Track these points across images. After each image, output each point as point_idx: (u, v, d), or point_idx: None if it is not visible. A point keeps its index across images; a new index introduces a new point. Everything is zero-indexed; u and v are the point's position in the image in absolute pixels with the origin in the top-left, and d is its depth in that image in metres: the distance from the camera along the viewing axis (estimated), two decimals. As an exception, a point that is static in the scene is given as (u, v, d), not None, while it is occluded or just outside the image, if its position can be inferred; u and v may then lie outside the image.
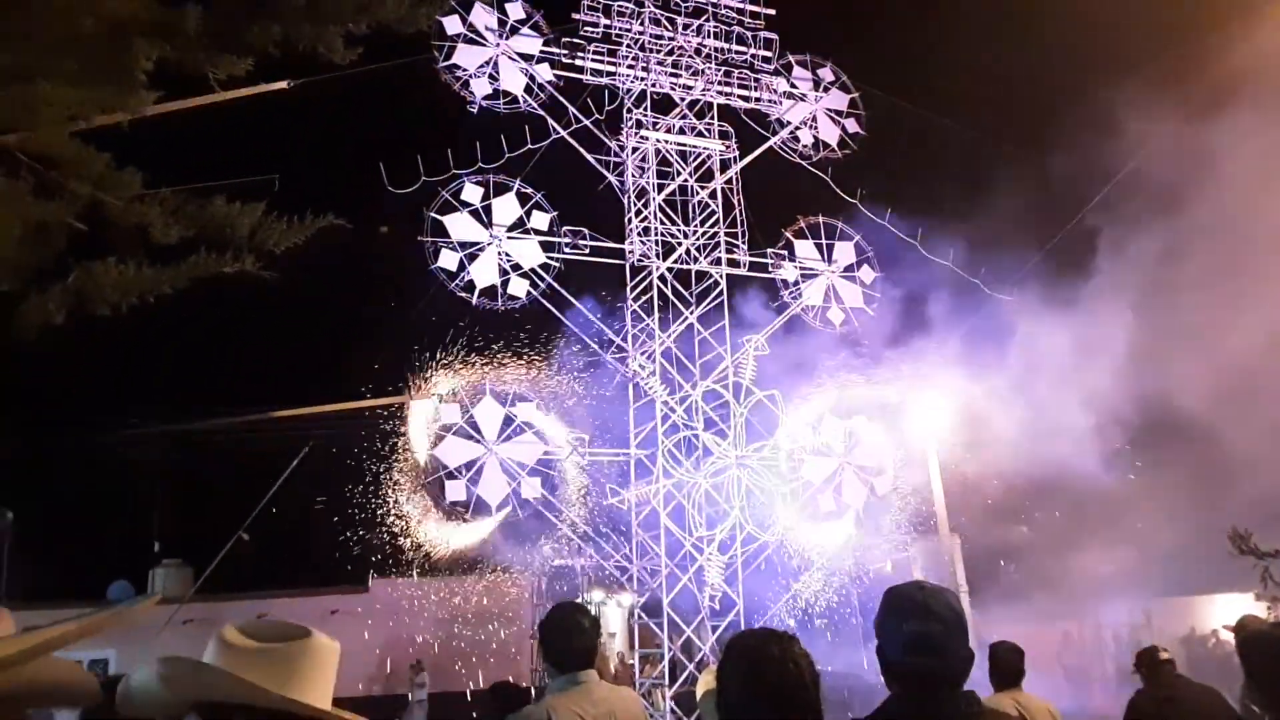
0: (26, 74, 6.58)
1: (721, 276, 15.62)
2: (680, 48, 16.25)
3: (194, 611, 14.71)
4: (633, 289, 15.21)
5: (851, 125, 17.25)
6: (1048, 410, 15.09)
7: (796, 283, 16.23)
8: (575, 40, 15.61)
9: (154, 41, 6.88)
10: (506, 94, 15.00)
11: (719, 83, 16.46)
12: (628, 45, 15.90)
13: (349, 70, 8.33)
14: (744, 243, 15.92)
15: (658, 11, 16.20)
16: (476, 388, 14.12)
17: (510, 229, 14.49)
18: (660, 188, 15.61)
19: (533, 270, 14.48)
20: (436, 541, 14.05)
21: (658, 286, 15.20)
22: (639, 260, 15.29)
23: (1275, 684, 3.37)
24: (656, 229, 15.40)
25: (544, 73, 15.28)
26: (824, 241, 16.57)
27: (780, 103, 16.91)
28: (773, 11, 16.98)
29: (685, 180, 15.80)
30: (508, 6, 15.29)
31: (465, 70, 14.82)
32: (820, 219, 16.62)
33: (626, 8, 15.93)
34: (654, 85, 15.98)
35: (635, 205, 15.52)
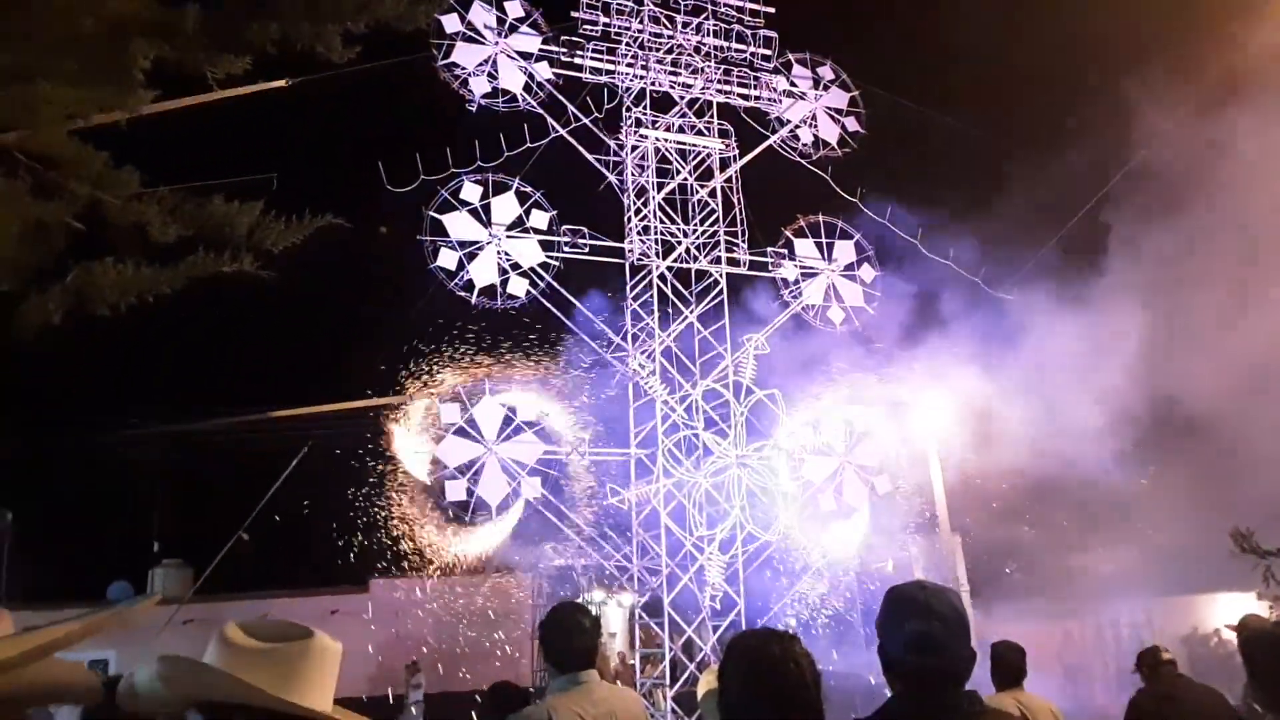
0: (26, 74, 6.58)
1: (721, 275, 15.61)
2: (680, 46, 16.24)
3: (194, 612, 14.70)
4: (632, 288, 15.20)
5: (851, 123, 17.24)
6: (1049, 409, 15.09)
7: (796, 281, 16.22)
8: (574, 38, 15.60)
9: (153, 41, 6.88)
10: (505, 92, 14.99)
11: (718, 81, 16.45)
12: (627, 43, 15.89)
13: (347, 69, 8.32)
14: (744, 241, 15.91)
15: (657, 10, 16.19)
16: (476, 387, 14.11)
17: (509, 228, 14.48)
18: (660, 186, 15.60)
19: (532, 269, 14.47)
20: (437, 541, 14.05)
21: (657, 285, 15.19)
22: (639, 259, 15.28)
23: (1277, 683, 3.37)
24: (656, 228, 15.39)
25: (543, 71, 15.27)
26: (824, 240, 16.57)
27: (780, 101, 16.90)
28: (772, 10, 16.98)
29: (685, 179, 15.79)
30: (506, 5, 15.27)
31: (464, 69, 14.81)
32: (820, 218, 16.62)
33: (626, 6, 15.92)
34: (653, 83, 15.97)
35: (635, 204, 15.51)
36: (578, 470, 14.47)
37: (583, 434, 14.48)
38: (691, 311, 15.34)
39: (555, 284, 14.46)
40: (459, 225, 14.17)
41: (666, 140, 15.82)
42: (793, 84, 17.11)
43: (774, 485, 15.15)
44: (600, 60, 15.66)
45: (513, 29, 15.23)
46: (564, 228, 14.79)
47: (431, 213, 13.97)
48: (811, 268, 16.39)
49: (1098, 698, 17.49)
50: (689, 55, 16.28)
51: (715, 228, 15.74)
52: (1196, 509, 13.50)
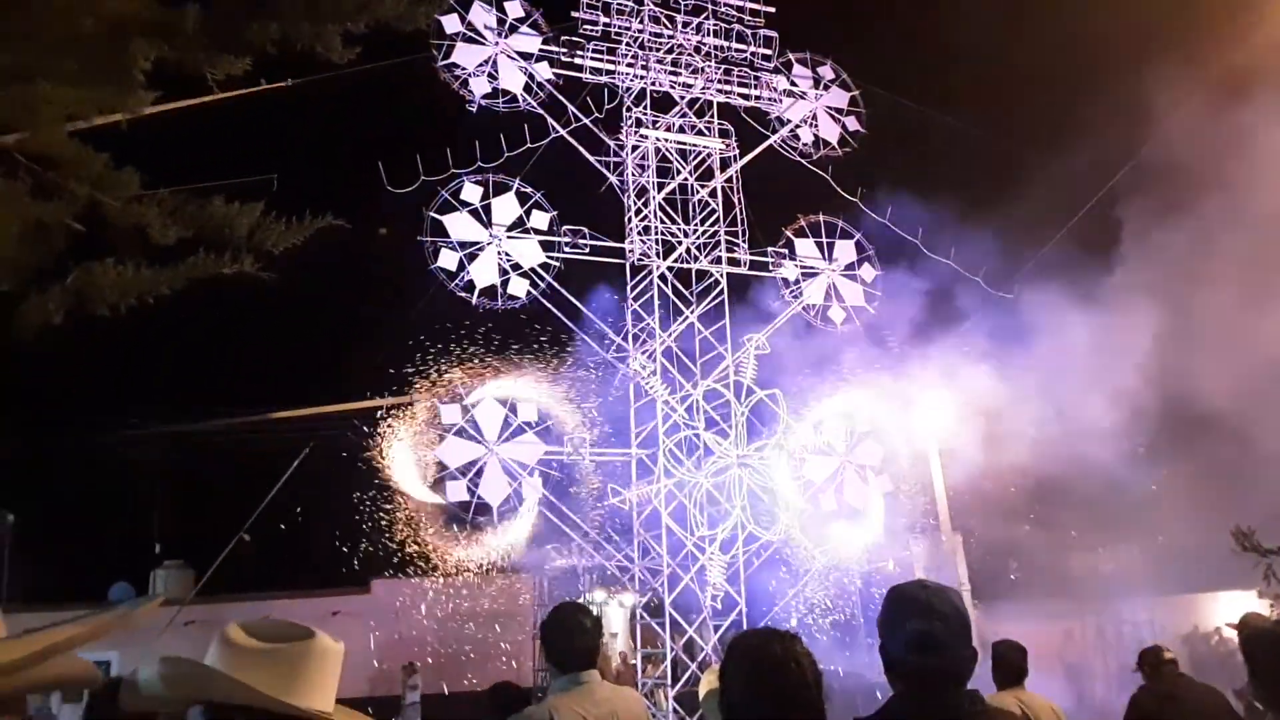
0: (26, 74, 6.58)
1: (722, 275, 15.61)
2: (680, 46, 16.24)
3: (195, 613, 14.69)
4: (633, 288, 15.20)
5: (852, 123, 17.23)
6: (1050, 408, 15.10)
7: (797, 281, 16.21)
8: (574, 38, 15.60)
9: (153, 41, 6.88)
10: (506, 93, 14.98)
11: (719, 81, 16.45)
12: (627, 43, 15.89)
13: (348, 69, 8.32)
14: (744, 241, 15.91)
15: (657, 9, 16.19)
16: (477, 388, 14.10)
17: (510, 228, 14.47)
18: (660, 186, 15.60)
19: (533, 270, 14.47)
20: (438, 542, 14.04)
21: (658, 285, 15.19)
22: (639, 259, 15.28)
23: (1277, 681, 3.37)
24: (656, 228, 15.39)
25: (543, 71, 15.27)
26: (824, 240, 16.56)
27: (780, 101, 16.89)
28: (772, 9, 16.96)
29: (685, 179, 15.79)
30: (506, 5, 15.27)
31: (464, 69, 14.81)
32: (821, 217, 16.61)
33: (626, 6, 15.91)
34: (654, 83, 15.96)
35: (635, 204, 15.51)
36: (579, 471, 14.47)
37: (584, 434, 14.48)
38: (692, 311, 15.34)
39: (556, 285, 14.47)
40: (459, 226, 14.17)
41: (667, 140, 15.82)
42: (793, 83, 17.11)
43: (775, 485, 15.14)
44: (600, 60, 15.65)
45: (513, 29, 15.23)
46: (564, 228, 14.78)
47: (432, 213, 13.96)
48: (812, 267, 16.38)
49: (1099, 697, 17.49)
50: (689, 55, 16.28)
51: (716, 228, 15.74)
52: (1197, 508, 13.50)
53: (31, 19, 6.52)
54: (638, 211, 15.47)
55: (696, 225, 15.68)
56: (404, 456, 13.82)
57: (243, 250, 7.78)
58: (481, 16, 15.01)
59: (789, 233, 16.46)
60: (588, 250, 14.91)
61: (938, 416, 16.07)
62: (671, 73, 16.11)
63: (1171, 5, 15.51)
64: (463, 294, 13.99)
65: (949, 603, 2.31)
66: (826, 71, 17.43)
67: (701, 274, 15.62)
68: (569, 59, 15.47)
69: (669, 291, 15.31)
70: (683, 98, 16.15)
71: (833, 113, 17.20)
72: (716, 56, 16.51)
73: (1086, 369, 15.12)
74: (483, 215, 14.35)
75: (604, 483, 14.59)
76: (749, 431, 15.25)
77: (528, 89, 15.11)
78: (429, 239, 13.88)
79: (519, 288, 14.31)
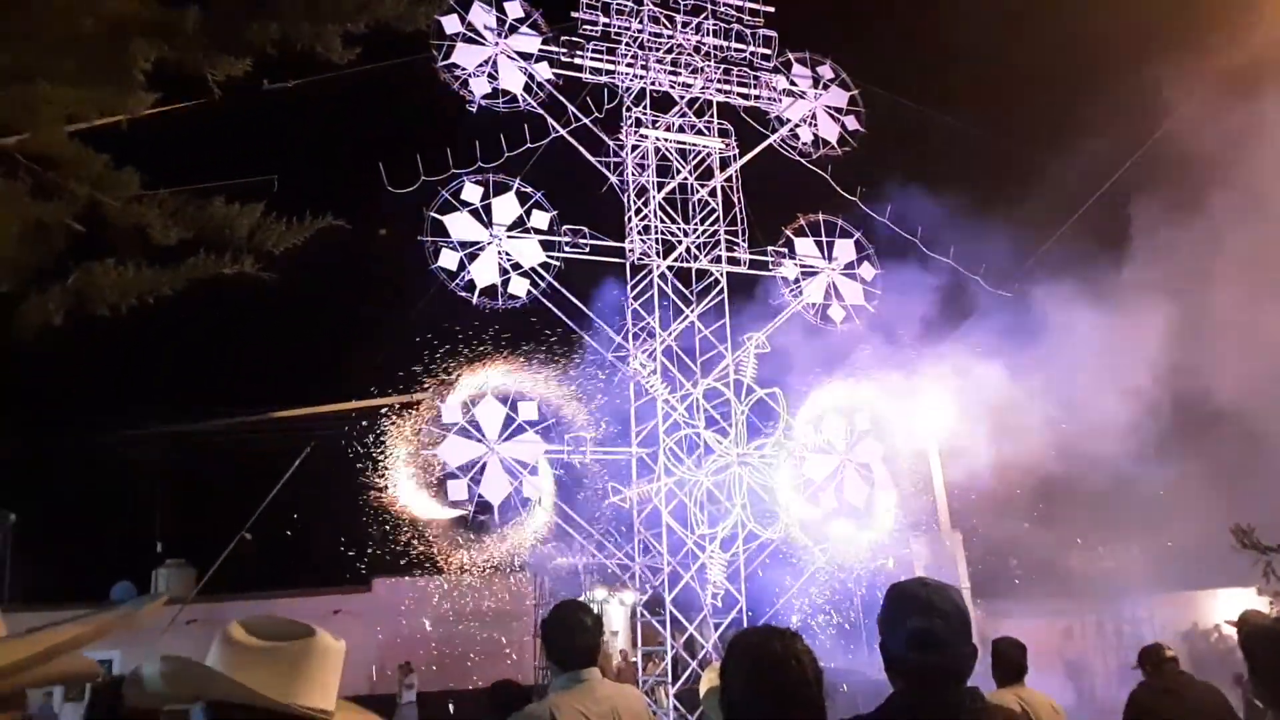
0: (26, 74, 6.58)
1: (722, 274, 15.61)
2: (679, 46, 16.24)
3: (197, 611, 14.71)
4: (633, 287, 15.21)
5: (851, 122, 17.23)
6: (1051, 405, 15.11)
7: (797, 280, 16.21)
8: (574, 39, 15.60)
9: (153, 41, 6.88)
10: (506, 93, 14.98)
11: (718, 80, 16.45)
12: (627, 43, 15.89)
13: (348, 70, 8.32)
14: (744, 240, 15.91)
15: (656, 9, 16.19)
16: (477, 387, 14.11)
17: (510, 228, 14.48)
18: (660, 186, 15.60)
19: (533, 269, 14.48)
20: (439, 541, 14.06)
21: (658, 285, 15.20)
22: (639, 259, 15.28)
23: (1277, 679, 3.37)
24: (656, 227, 15.39)
25: (543, 71, 15.27)
26: (824, 239, 16.56)
27: (780, 100, 16.89)
28: (772, 9, 16.96)
29: (685, 178, 15.80)
30: (506, 5, 15.27)
31: (464, 69, 14.81)
32: (820, 216, 16.61)
33: (625, 6, 15.92)
34: (653, 83, 15.97)
35: (635, 204, 15.51)
36: (579, 469, 14.48)
37: (584, 433, 14.49)
38: (692, 310, 15.35)
39: (556, 284, 14.47)
40: (460, 226, 14.18)
41: (667, 140, 15.83)
42: (792, 83, 17.10)
43: (775, 484, 15.16)
44: (600, 60, 15.65)
45: (513, 29, 15.23)
46: (565, 228, 14.79)
47: (432, 213, 13.97)
48: (812, 266, 16.38)
49: (1099, 693, 17.50)
50: (689, 55, 16.28)
51: (715, 227, 15.75)
52: (1197, 505, 13.51)
53: (31, 19, 6.53)
54: (638, 211, 15.47)
55: (696, 224, 15.69)
56: (405, 456, 13.83)
57: (243, 251, 7.78)
58: (481, 17, 15.01)
59: (789, 232, 16.47)
60: (588, 250, 14.92)
61: (937, 414, 16.08)
62: (671, 72, 16.11)
63: (1171, 4, 15.53)
64: (463, 294, 14.00)
65: (949, 600, 2.32)
66: (826, 71, 17.43)
67: (701, 273, 15.63)
68: (569, 59, 15.47)
69: (669, 291, 15.32)
70: (682, 97, 16.15)
71: (832, 112, 17.20)
72: (716, 56, 16.51)
73: (1087, 367, 15.14)
74: (483, 215, 14.35)
75: (605, 481, 14.61)
76: (749, 430, 15.26)
77: (528, 89, 15.11)
78: (429, 239, 13.89)
79: (519, 287, 14.32)
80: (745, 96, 16.63)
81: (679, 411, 14.91)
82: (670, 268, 15.38)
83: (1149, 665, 5.76)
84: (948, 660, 2.27)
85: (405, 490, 13.78)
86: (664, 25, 16.20)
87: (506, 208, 14.50)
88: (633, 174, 15.56)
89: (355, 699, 2.00)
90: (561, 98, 15.26)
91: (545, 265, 14.52)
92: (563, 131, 15.06)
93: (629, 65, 15.79)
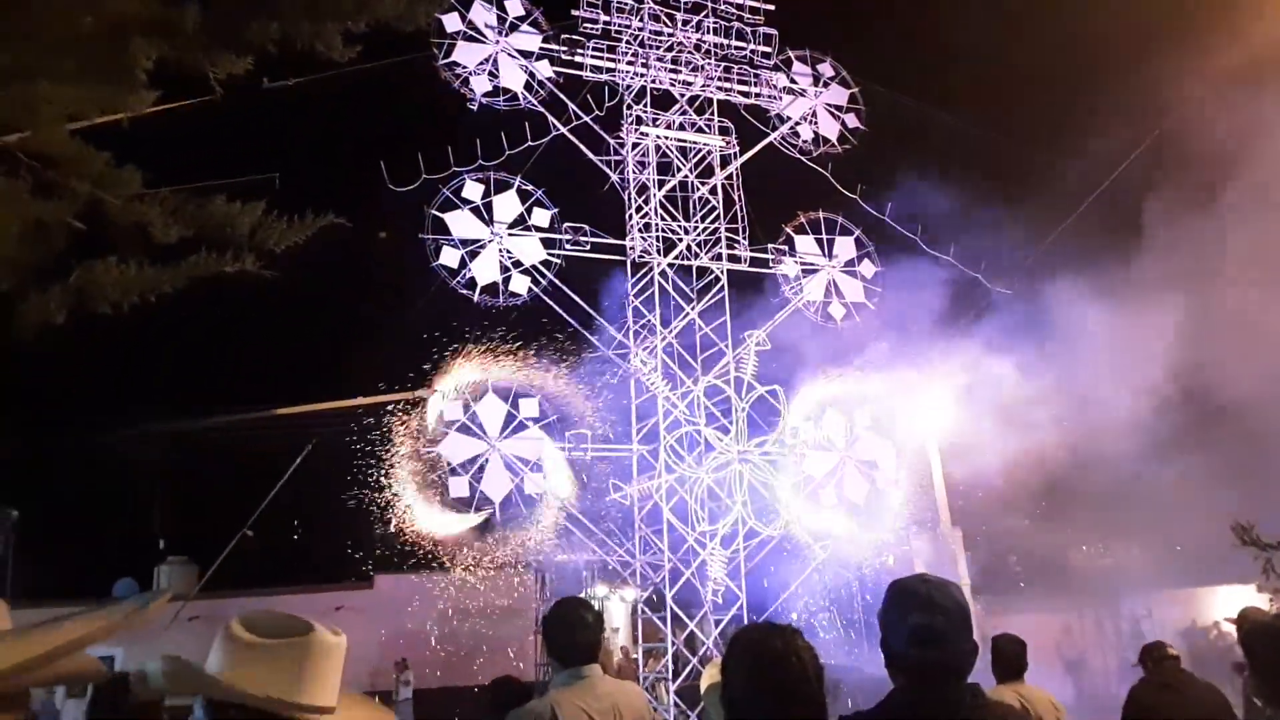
0: (27, 74, 6.58)
1: (722, 272, 15.62)
2: (680, 43, 16.24)
3: (199, 608, 14.74)
4: (634, 285, 15.22)
5: (851, 120, 17.23)
6: (1051, 403, 15.11)
7: (797, 278, 16.22)
8: (575, 37, 15.60)
9: (153, 40, 6.88)
10: (506, 91, 14.99)
11: (719, 78, 16.45)
12: (627, 41, 15.89)
13: (348, 68, 8.32)
14: (745, 238, 15.92)
15: (657, 7, 16.19)
16: (479, 384, 14.12)
17: (511, 226, 14.49)
18: (661, 184, 15.61)
19: (534, 267, 14.49)
20: (440, 538, 14.07)
21: (659, 282, 15.20)
22: (640, 256, 15.29)
23: (1278, 676, 3.37)
24: (657, 225, 15.40)
25: (544, 69, 15.27)
26: (824, 236, 16.56)
27: (780, 98, 16.89)
28: (772, 7, 16.97)
29: (686, 176, 15.80)
30: (507, 3, 15.27)
31: (465, 67, 14.81)
32: (820, 214, 16.62)
33: (626, 4, 15.92)
34: (654, 81, 15.97)
35: (636, 201, 15.52)
36: (580, 466, 14.49)
37: (585, 430, 14.49)
38: (693, 308, 15.36)
39: (557, 282, 14.49)
40: (461, 224, 14.19)
41: (667, 138, 15.83)
42: (793, 81, 17.10)
43: (775, 481, 15.17)
44: (601, 58, 15.66)
45: (513, 28, 15.24)
46: (565, 225, 14.80)
47: (433, 211, 13.98)
48: (812, 264, 16.39)
49: (1098, 690, 17.51)
50: (689, 53, 16.28)
51: (716, 224, 15.75)
52: (1197, 503, 13.51)
53: (32, 19, 6.52)
54: (638, 209, 15.48)
55: (697, 222, 15.70)
56: (406, 452, 13.84)
57: (244, 249, 7.78)
58: (482, 15, 15.01)
59: (789, 229, 16.47)
60: (589, 247, 14.93)
61: (937, 411, 16.09)
62: (671, 70, 16.11)
63: (1170, 4, 15.52)
64: (464, 291, 14.01)
65: (950, 597, 2.33)
66: (826, 69, 17.42)
67: (702, 271, 15.64)
68: (569, 57, 15.47)
69: (670, 288, 15.33)
70: (683, 95, 16.15)
71: (832, 110, 17.20)
72: (716, 54, 16.51)
73: (1087, 364, 15.14)
74: (484, 213, 14.36)
75: (606, 478, 14.61)
76: (750, 427, 15.27)
77: (528, 87, 15.12)
78: (430, 237, 13.90)
79: (520, 285, 14.33)
80: (746, 94, 16.63)
81: (680, 409, 14.92)
82: (671, 265, 15.38)
83: (1150, 663, 5.76)
84: (948, 656, 2.27)
85: (407, 487, 13.80)
86: (664, 23, 16.21)
87: (507, 205, 14.51)
88: (633, 172, 15.56)
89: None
90: (562, 96, 15.28)
91: (546, 263, 14.53)
92: (563, 129, 15.07)
93: (629, 63, 15.79)
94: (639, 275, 15.25)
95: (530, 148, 14.62)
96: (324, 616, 1.92)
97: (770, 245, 16.20)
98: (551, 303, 14.43)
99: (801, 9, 18.67)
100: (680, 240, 15.50)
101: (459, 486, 13.44)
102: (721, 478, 14.92)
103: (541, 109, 15.06)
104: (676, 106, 16.09)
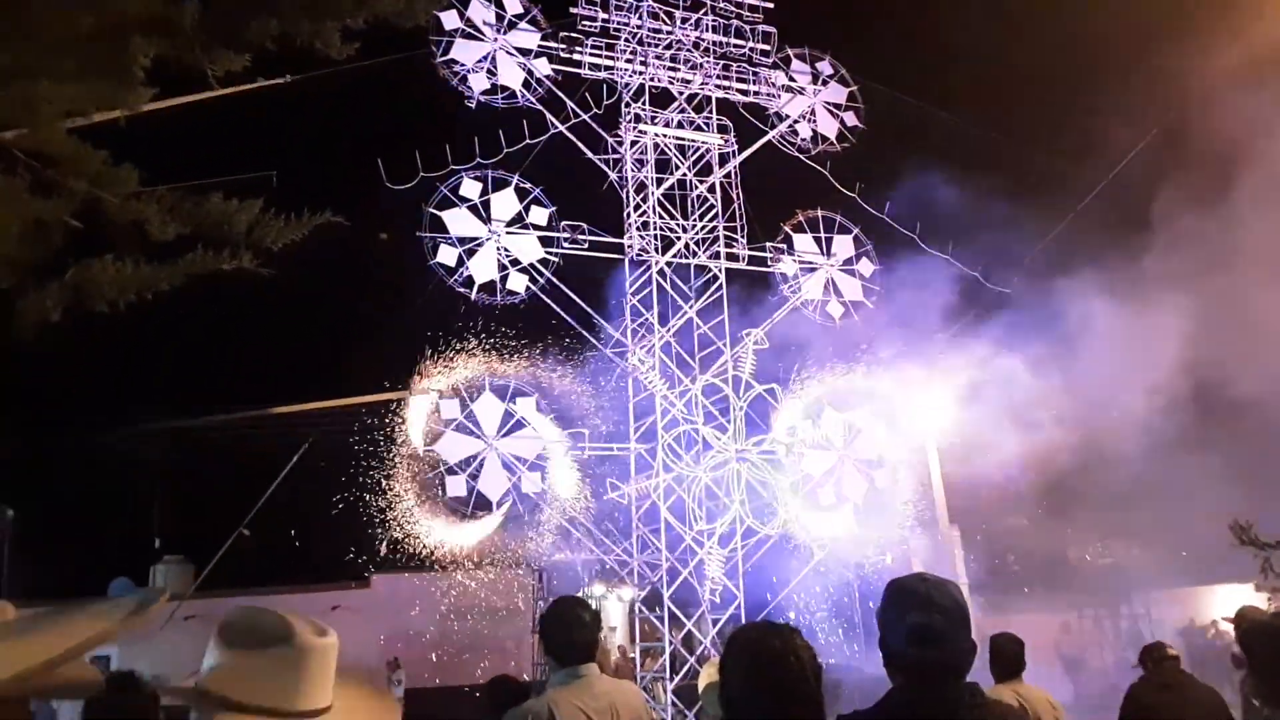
0: (27, 73, 6.56)
1: (721, 270, 15.61)
2: (678, 42, 16.23)
3: (195, 608, 14.70)
4: (632, 283, 15.21)
5: (850, 119, 17.22)
6: (1049, 402, 15.12)
7: (796, 276, 16.21)
8: (573, 35, 15.59)
9: (152, 38, 6.86)
10: (504, 89, 14.98)
11: (717, 77, 16.44)
12: (626, 39, 15.88)
13: (346, 65, 8.30)
14: (743, 237, 15.91)
15: (656, 6, 16.18)
16: (476, 383, 14.12)
17: (509, 224, 14.48)
18: (659, 182, 15.60)
19: (532, 265, 14.48)
20: (438, 537, 14.06)
21: (657, 281, 15.20)
22: (638, 255, 15.28)
23: (1276, 675, 3.37)
24: (655, 223, 15.39)
25: (542, 67, 15.26)
26: (823, 235, 16.56)
27: (779, 96, 16.88)
28: (771, 5, 16.96)
29: (684, 174, 15.79)
30: (505, 1, 15.26)
31: (463, 65, 14.80)
32: (819, 212, 16.61)
33: (625, 2, 15.91)
34: (652, 79, 15.96)
35: (634, 199, 15.51)
36: (578, 465, 14.48)
37: (583, 429, 14.49)
38: (691, 307, 15.35)
39: (555, 280, 14.48)
40: (458, 222, 14.18)
41: (665, 136, 15.82)
42: (791, 79, 17.10)
43: (773, 480, 15.17)
44: (599, 56, 15.64)
45: (511, 25, 15.23)
46: (563, 223, 14.79)
47: (431, 209, 13.97)
48: (810, 262, 16.38)
49: (1096, 689, 17.53)
50: (688, 51, 16.27)
51: (714, 223, 15.74)
52: (1197, 501, 13.53)
53: (31, 17, 6.51)
54: (636, 207, 15.47)
55: (695, 220, 15.69)
56: (404, 452, 13.83)
57: (242, 247, 7.76)
58: (480, 12, 15.00)
59: (787, 228, 16.46)
60: (587, 245, 14.92)
61: (936, 410, 16.09)
62: (670, 68, 16.10)
63: (1170, 4, 15.52)
64: (462, 289, 14.01)
65: (949, 596, 2.32)
66: (825, 67, 17.42)
67: (700, 269, 15.63)
68: (568, 55, 15.46)
69: (668, 286, 15.33)
70: (681, 93, 16.14)
71: (831, 108, 17.20)
72: (715, 52, 16.50)
73: (1087, 362, 15.15)
74: (482, 211, 14.35)
75: (603, 477, 14.61)
76: (747, 426, 15.27)
77: (526, 85, 15.11)
78: (428, 235, 13.89)
79: (518, 283, 14.33)
80: (744, 92, 16.62)
81: (678, 407, 14.91)
82: (669, 263, 15.38)
83: (1150, 663, 5.76)
84: (947, 655, 2.27)
85: (404, 487, 13.79)
86: (663, 21, 16.20)
87: (505, 203, 14.50)
88: (632, 170, 15.56)
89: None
90: (560, 94, 15.28)
91: (544, 261, 14.52)
92: (562, 127, 15.06)
93: (628, 61, 15.78)
94: (637, 274, 15.24)
95: (528, 146, 14.63)
96: (320, 616, 1.90)
97: (769, 244, 16.20)
98: (549, 301, 14.44)
99: (801, 7, 18.69)
100: (678, 238, 15.49)
101: (456, 485, 13.44)
102: (719, 476, 14.92)
103: (540, 107, 15.05)
104: (675, 104, 16.08)
